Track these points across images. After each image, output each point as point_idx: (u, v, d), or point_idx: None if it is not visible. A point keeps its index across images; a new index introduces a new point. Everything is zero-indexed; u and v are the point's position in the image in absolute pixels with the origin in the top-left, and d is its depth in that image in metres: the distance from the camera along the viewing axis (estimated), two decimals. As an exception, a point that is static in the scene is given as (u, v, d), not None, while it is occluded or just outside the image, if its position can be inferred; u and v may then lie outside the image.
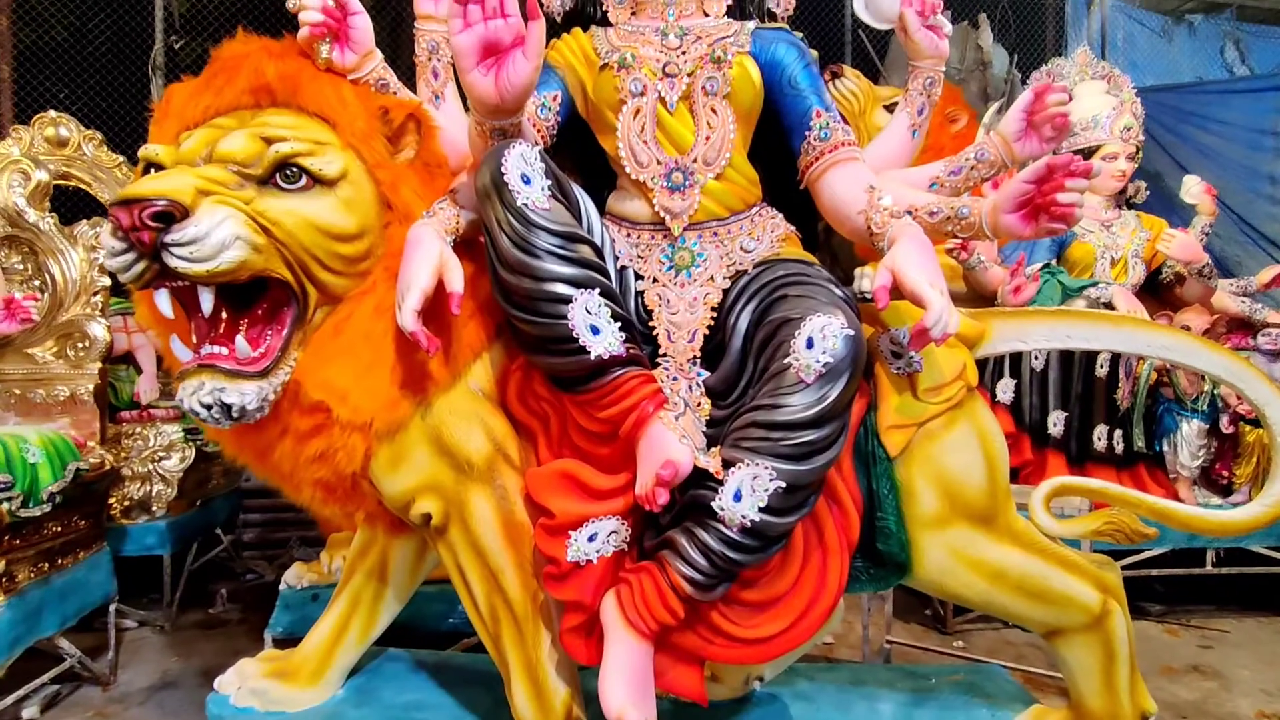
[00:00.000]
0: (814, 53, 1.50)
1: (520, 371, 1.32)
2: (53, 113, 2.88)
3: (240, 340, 1.14)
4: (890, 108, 3.68)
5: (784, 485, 1.06)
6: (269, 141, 1.17)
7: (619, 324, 1.15)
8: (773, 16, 1.60)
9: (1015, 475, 2.87)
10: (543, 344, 1.16)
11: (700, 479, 1.13)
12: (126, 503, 2.78)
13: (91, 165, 2.74)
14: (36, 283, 2.36)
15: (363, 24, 1.30)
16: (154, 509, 2.81)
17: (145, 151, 1.18)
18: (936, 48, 1.58)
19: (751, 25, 1.46)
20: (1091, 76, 3.55)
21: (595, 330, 1.13)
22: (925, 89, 1.61)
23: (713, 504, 1.09)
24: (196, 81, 1.28)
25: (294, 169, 1.17)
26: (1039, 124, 1.43)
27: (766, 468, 1.07)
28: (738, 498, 1.08)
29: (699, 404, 1.27)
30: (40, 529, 2.07)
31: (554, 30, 1.58)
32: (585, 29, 1.51)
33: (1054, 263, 3.31)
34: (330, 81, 1.28)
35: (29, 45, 4.70)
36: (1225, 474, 2.98)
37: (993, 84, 5.22)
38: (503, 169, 1.13)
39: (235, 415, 1.14)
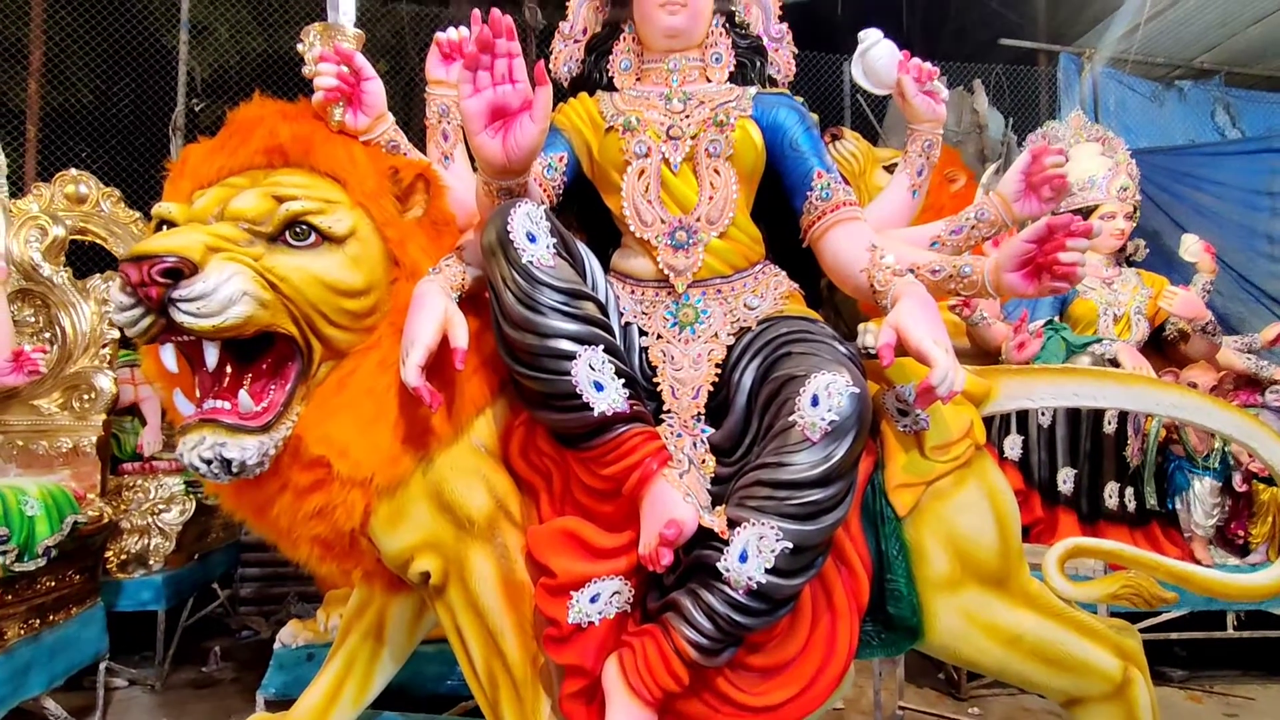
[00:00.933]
0: (814, 116, 1.55)
1: (523, 427, 1.31)
2: (73, 171, 2.96)
3: (243, 395, 1.14)
4: (890, 168, 3.76)
5: (791, 546, 1.04)
6: (280, 200, 1.19)
7: (623, 380, 1.15)
8: (774, 82, 1.65)
9: (1026, 534, 2.82)
10: (546, 400, 1.16)
11: (705, 538, 1.11)
12: (123, 556, 2.74)
13: (108, 221, 2.81)
14: (47, 335, 2.39)
15: (375, 89, 1.34)
16: (151, 563, 2.77)
17: (159, 209, 1.20)
18: (934, 112, 1.62)
19: (753, 90, 1.50)
20: (1086, 139, 3.62)
21: (599, 387, 1.13)
22: (924, 151, 1.64)
23: (718, 565, 1.07)
24: (212, 142, 1.31)
25: (304, 226, 1.19)
26: (1037, 185, 1.46)
27: (773, 527, 1.05)
28: (743, 558, 1.05)
29: (703, 461, 1.26)
30: (34, 584, 2.04)
31: (561, 95, 1.64)
32: (591, 94, 1.55)
33: (1057, 319, 3.32)
34: (342, 143, 1.32)
35: (56, 107, 4.87)
36: (1241, 533, 2.92)
37: (989, 146, 5.35)
38: (508, 227, 1.15)
39: (235, 470, 1.13)
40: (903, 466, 1.22)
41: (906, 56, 1.66)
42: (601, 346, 1.14)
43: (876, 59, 1.66)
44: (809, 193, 1.41)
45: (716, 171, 1.39)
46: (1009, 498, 1.27)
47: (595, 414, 1.12)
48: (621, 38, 1.58)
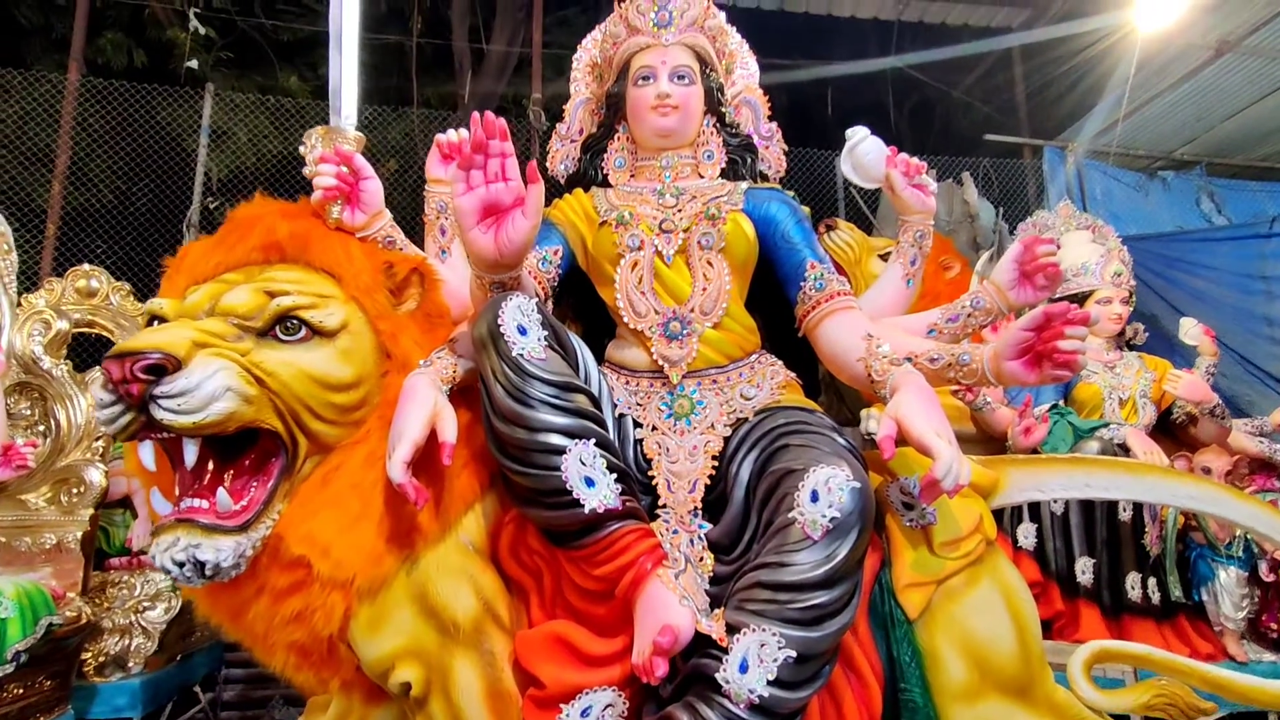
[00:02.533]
0: (806, 209, 1.57)
1: (513, 524, 1.26)
2: (86, 266, 3.03)
3: (222, 493, 1.10)
4: (885, 256, 3.81)
5: (795, 655, 0.98)
6: (272, 295, 1.19)
7: (615, 475, 1.12)
8: (765, 178, 1.69)
9: (1048, 629, 2.67)
10: (536, 496, 1.12)
11: (703, 645, 1.05)
12: (102, 658, 2.61)
13: (116, 314, 2.83)
14: (41, 428, 2.36)
15: (373, 188, 1.37)
16: (130, 665, 2.63)
17: (151, 305, 1.20)
18: (923, 204, 1.65)
19: (744, 185, 1.53)
20: (1076, 227, 3.70)
21: (590, 482, 1.09)
22: (916, 241, 1.66)
23: (717, 676, 1.00)
24: (211, 239, 1.33)
25: (294, 321, 1.19)
26: (1031, 273, 1.46)
27: (775, 634, 0.98)
28: (744, 668, 0.98)
29: (701, 559, 1.20)
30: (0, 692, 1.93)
31: (557, 192, 1.68)
32: (586, 190, 1.59)
33: (1061, 403, 3.28)
34: (339, 239, 1.34)
35: (77, 207, 5.05)
36: (1274, 626, 2.77)
37: (981, 234, 5.47)
38: (499, 320, 1.14)
39: (209, 573, 1.09)
40: (911, 564, 1.17)
41: (894, 152, 1.71)
42: (593, 440, 1.11)
43: (864, 154, 1.71)
44: (802, 283, 1.42)
45: (709, 263, 1.40)
46: (1026, 596, 1.20)
47: (586, 510, 1.08)
48: (616, 137, 1.63)
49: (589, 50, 1.78)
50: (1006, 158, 5.92)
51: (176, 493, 1.16)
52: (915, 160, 1.69)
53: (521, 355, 1.12)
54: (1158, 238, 5.12)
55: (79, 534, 2.28)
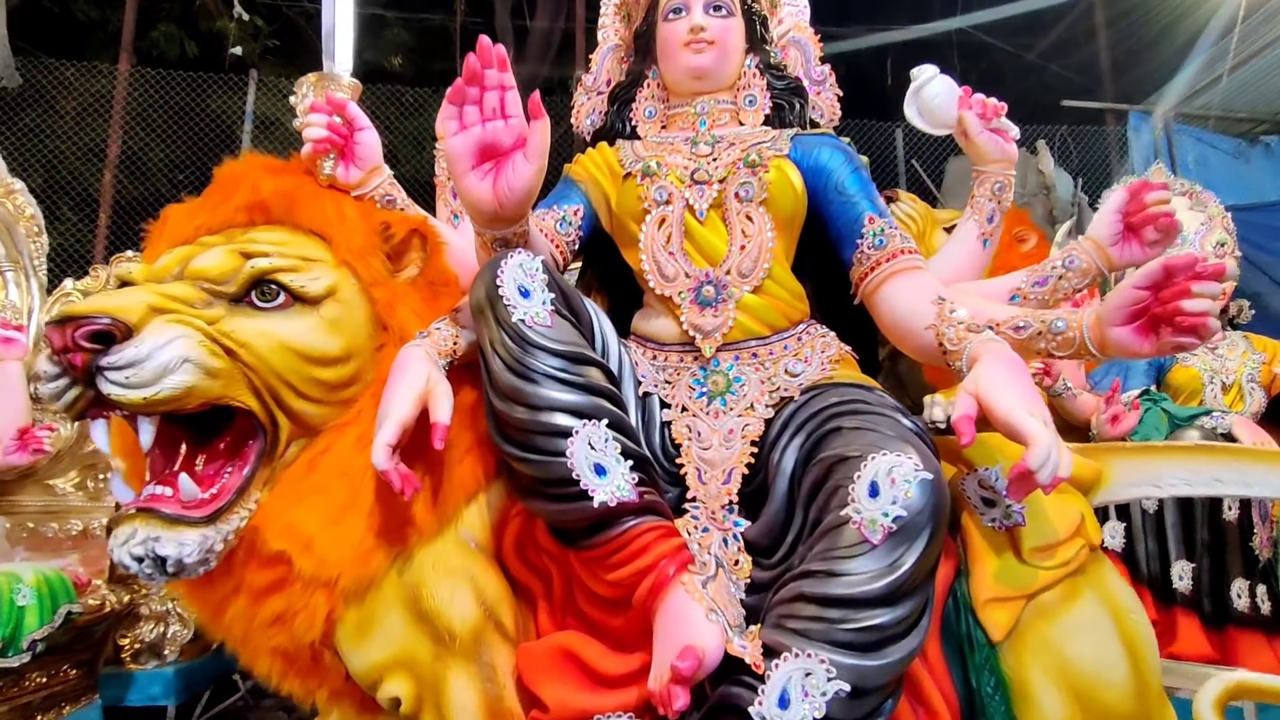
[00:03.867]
0: (864, 158, 1.36)
1: (521, 518, 1.10)
2: (129, 253, 3.01)
3: (185, 479, 0.97)
4: (951, 229, 3.53)
5: (848, 687, 0.78)
6: (248, 257, 1.05)
7: (631, 462, 0.94)
8: (816, 127, 1.48)
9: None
10: (539, 486, 0.95)
11: (735, 668, 0.86)
12: (137, 645, 2.59)
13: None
14: (71, 412, 2.33)
15: (369, 140, 1.22)
16: (165, 653, 2.60)
17: (119, 270, 1.08)
18: (1003, 150, 1.42)
19: (791, 131, 1.33)
20: (1172, 193, 3.33)
21: (600, 470, 0.91)
22: (994, 194, 1.43)
23: (750, 710, 0.81)
24: (194, 200, 1.21)
25: (272, 286, 1.05)
26: (1138, 225, 1.22)
27: (822, 660, 0.79)
28: (784, 703, 0.80)
29: (735, 563, 1.02)
30: (20, 681, 1.89)
31: (583, 150, 1.50)
32: (612, 144, 1.41)
33: (1154, 388, 2.96)
34: (330, 197, 1.19)
35: (131, 196, 5.14)
36: None
37: (1058, 207, 5.06)
38: (498, 281, 0.97)
39: (171, 570, 0.96)
40: (994, 574, 0.95)
41: (967, 92, 1.47)
42: (605, 421, 0.94)
43: (932, 96, 1.47)
44: (859, 240, 1.21)
45: (749, 218, 1.20)
46: (1140, 616, 0.98)
47: (595, 503, 0.91)
48: (645, 84, 1.44)
49: (616, -8, 1.60)
50: (1086, 124, 5.47)
51: (147, 478, 1.04)
52: (993, 100, 1.45)
53: (523, 321, 0.96)
54: (1262, 208, 4.63)
55: (105, 520, 2.24)
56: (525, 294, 0.98)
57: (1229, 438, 2.60)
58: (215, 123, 5.25)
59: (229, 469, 1.04)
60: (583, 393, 0.94)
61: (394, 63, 6.60)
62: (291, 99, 1.25)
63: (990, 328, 1.09)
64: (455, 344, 1.12)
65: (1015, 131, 1.46)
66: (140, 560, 0.94)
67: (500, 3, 5.78)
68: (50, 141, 5.30)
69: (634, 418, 1.14)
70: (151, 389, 0.90)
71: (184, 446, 1.05)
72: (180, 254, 1.08)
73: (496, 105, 0.97)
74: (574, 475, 0.90)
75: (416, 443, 1.05)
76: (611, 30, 1.60)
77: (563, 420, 0.92)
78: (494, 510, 1.14)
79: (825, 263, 1.30)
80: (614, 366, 1.11)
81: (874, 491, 0.82)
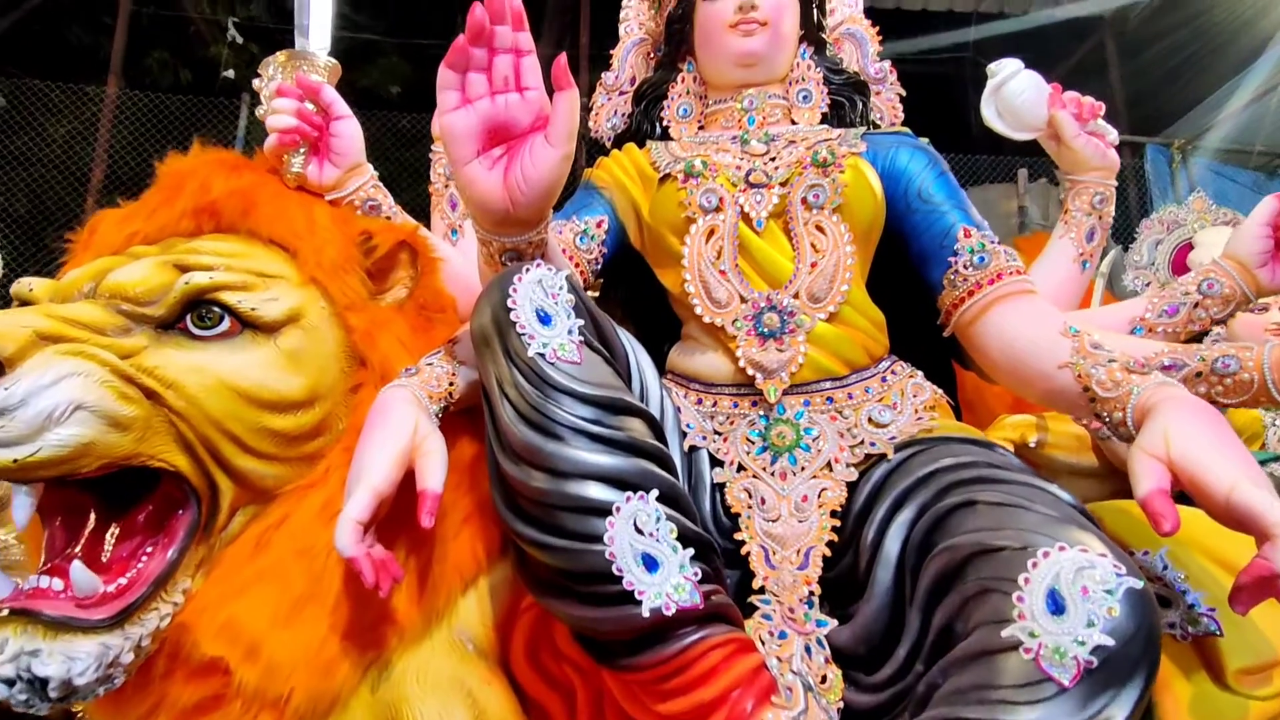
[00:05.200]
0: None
1: (534, 612, 0.84)
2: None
3: (78, 569, 0.71)
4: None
5: None
6: (185, 270, 0.81)
7: (690, 551, 0.69)
8: (876, 128, 1.26)
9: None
10: (565, 582, 0.70)
11: None
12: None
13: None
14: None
15: (349, 131, 0.99)
16: None
17: (17, 288, 0.84)
18: (1104, 157, 1.20)
19: (859, 129, 1.10)
20: (1214, 222, 3.14)
21: (651, 564, 0.66)
22: (1094, 208, 1.21)
23: None
24: (131, 204, 0.97)
25: (214, 308, 0.81)
26: (1296, 241, 0.99)
27: None
28: None
29: (823, 679, 0.76)
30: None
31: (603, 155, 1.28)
32: (641, 146, 1.19)
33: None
34: (298, 201, 0.96)
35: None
36: None
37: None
38: (510, 301, 0.73)
39: (55, 693, 0.69)
40: (1189, 708, 0.69)
41: (1057, 89, 1.26)
42: (655, 494, 0.69)
43: (1016, 94, 1.26)
44: (952, 259, 0.97)
45: (820, 229, 0.97)
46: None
47: (644, 611, 0.65)
48: (679, 78, 1.22)
49: (644, -21, 1.39)
50: (1103, 158, 5.33)
51: (42, 562, 0.79)
52: (1089, 99, 1.24)
53: (543, 356, 0.71)
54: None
55: None
56: (546, 319, 0.73)
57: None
58: (210, 146, 5.06)
59: (148, 549, 0.79)
60: (625, 454, 0.69)
61: (392, 91, 6.46)
62: (255, 83, 1.02)
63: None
64: (451, 384, 0.87)
65: (1114, 135, 1.25)
66: (11, 684, 0.68)
67: (502, 31, 5.67)
68: (36, 168, 5.11)
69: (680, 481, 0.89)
70: (26, 447, 0.65)
71: (92, 517, 0.80)
72: (95, 266, 0.84)
73: (510, 74, 0.75)
74: (615, 570, 0.65)
75: (398, 511, 0.81)
76: (635, 22, 1.38)
77: (598, 493, 0.67)
78: (498, 601, 0.88)
79: (884, 283, 1.07)
80: (657, 413, 0.87)
81: (1056, 605, 0.57)
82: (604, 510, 0.66)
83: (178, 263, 0.83)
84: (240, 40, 5.18)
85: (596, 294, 1.29)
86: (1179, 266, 3.18)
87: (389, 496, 0.75)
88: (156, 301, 0.79)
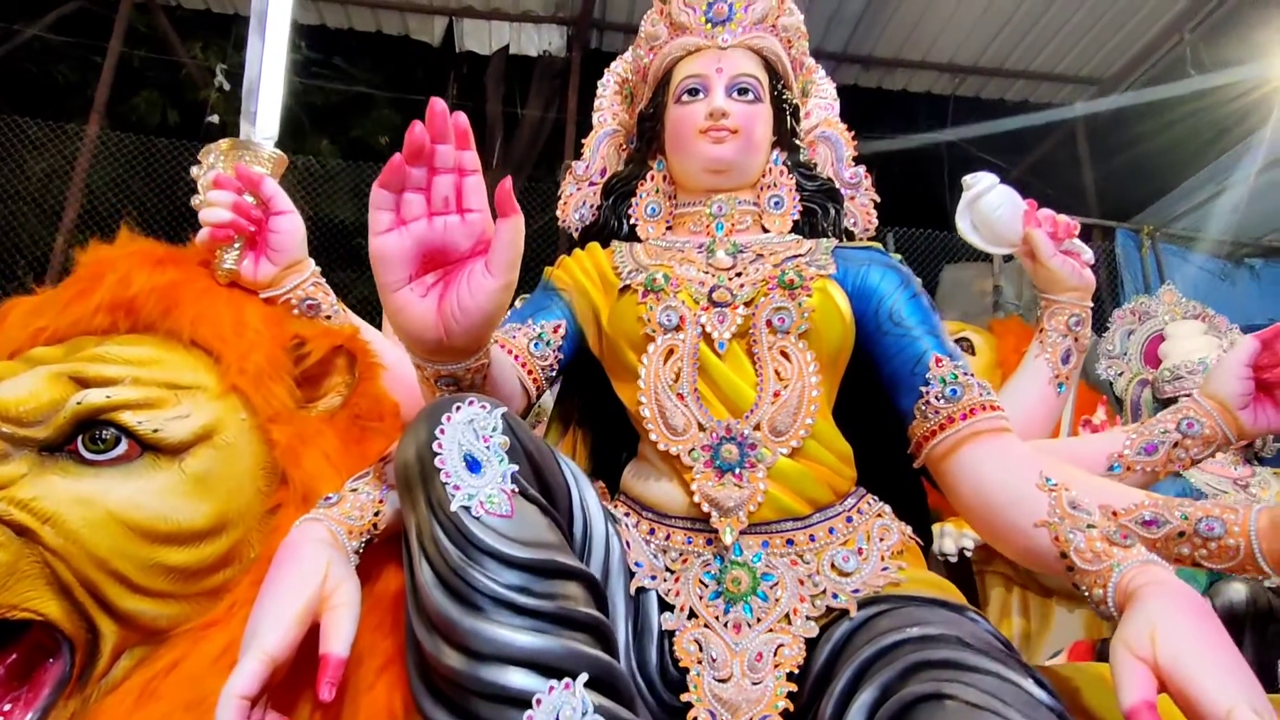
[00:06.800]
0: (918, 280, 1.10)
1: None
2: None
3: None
4: (958, 342, 3.32)
5: None
6: (82, 383, 0.74)
7: (624, 746, 0.60)
8: (850, 238, 1.22)
9: None
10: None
11: None
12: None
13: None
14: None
15: (289, 227, 0.93)
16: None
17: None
18: (1081, 277, 1.18)
19: (830, 243, 1.06)
20: (1184, 315, 3.18)
21: (574, 766, 0.58)
22: (1070, 329, 1.17)
23: None
24: (45, 293, 0.90)
25: (109, 429, 0.73)
26: (1275, 384, 0.96)
27: None
28: None
29: None
30: None
31: (569, 250, 1.22)
32: (606, 245, 1.14)
33: (1184, 530, 2.68)
34: (227, 300, 0.89)
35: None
36: None
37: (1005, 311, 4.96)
38: (436, 445, 0.66)
39: None
40: None
41: (1033, 206, 1.24)
42: (584, 679, 0.60)
43: (992, 208, 1.24)
44: (924, 388, 0.92)
45: (785, 354, 0.91)
46: None
47: (565, 822, 0.57)
48: (649, 175, 1.18)
49: (617, 72, 1.37)
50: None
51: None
52: (1064, 218, 1.22)
53: (468, 509, 0.64)
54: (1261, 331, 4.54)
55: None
56: (475, 467, 0.66)
57: (1277, 592, 2.31)
58: (190, 191, 5.00)
59: (5, 707, 0.69)
60: (553, 631, 0.61)
61: (381, 142, 6.49)
62: (194, 170, 0.96)
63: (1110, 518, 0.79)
64: (377, 514, 0.79)
65: (1089, 254, 1.23)
66: None
67: (492, 89, 5.73)
68: (11, 202, 5.02)
69: (623, 629, 0.81)
70: None
71: (-53, 666, 0.70)
72: (-17, 376, 0.76)
73: (450, 194, 0.69)
74: (531, 774, 0.57)
75: (301, 673, 0.71)
76: (609, 113, 1.35)
77: (519, 680, 0.58)
78: (415, 765, 0.78)
79: (852, 402, 1.01)
80: (598, 557, 0.79)
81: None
82: (523, 701, 0.58)
83: (76, 374, 0.75)
84: (228, 87, 5.18)
85: (552, 396, 1.23)
86: (1150, 357, 3.20)
87: (284, 661, 0.66)
88: (43, 421, 0.71)
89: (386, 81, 6.30)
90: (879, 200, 1.28)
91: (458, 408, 0.69)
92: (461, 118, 0.69)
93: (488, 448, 0.68)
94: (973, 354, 3.23)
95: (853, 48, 5.19)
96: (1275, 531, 0.75)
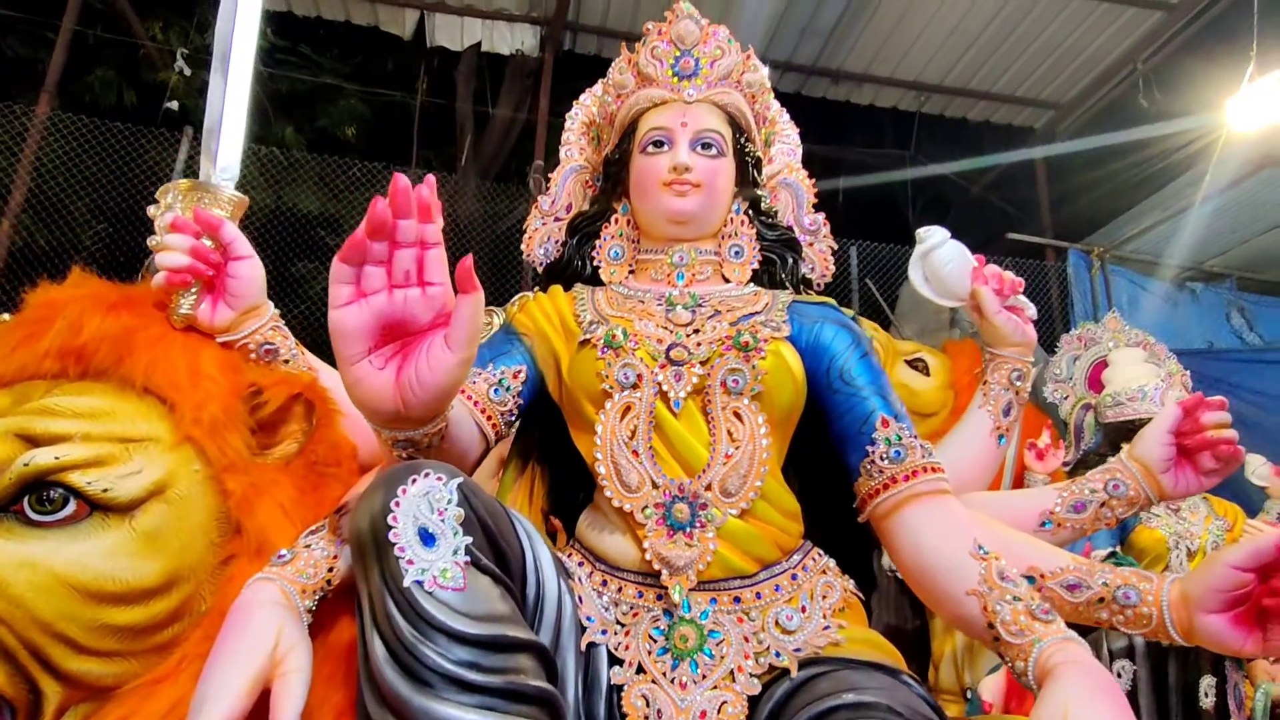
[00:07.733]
0: (870, 333, 1.14)
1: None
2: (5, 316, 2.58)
3: None
4: (913, 362, 3.40)
5: None
6: (30, 442, 0.73)
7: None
8: (808, 284, 1.26)
9: None
10: None
11: None
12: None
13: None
14: None
15: (248, 272, 0.93)
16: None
17: None
18: (1023, 333, 1.23)
19: (786, 297, 1.10)
20: (1127, 343, 3.31)
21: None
22: (1011, 382, 1.22)
23: None
24: (-7, 335, 0.88)
25: (57, 491, 0.72)
26: (1194, 450, 1.02)
27: None
28: None
29: None
30: None
31: (531, 287, 1.23)
32: (568, 286, 1.16)
33: (1119, 550, 2.81)
34: (182, 346, 0.89)
35: (41, 247, 4.65)
36: None
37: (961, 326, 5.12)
38: (391, 518, 0.67)
39: None
40: None
41: (981, 262, 1.29)
42: (530, 754, 0.63)
43: (943, 263, 1.28)
44: (870, 448, 0.96)
45: (738, 415, 0.94)
46: None
47: None
48: (613, 219, 1.20)
49: (586, 106, 1.38)
50: (1028, 258, 5.62)
51: None
52: (1010, 275, 1.27)
53: (420, 584, 0.65)
54: (1195, 354, 4.74)
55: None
56: (429, 540, 0.68)
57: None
58: (145, 177, 4.84)
59: (-57, 771, 0.68)
60: (502, 705, 0.63)
61: (348, 133, 6.37)
62: (150, 209, 0.95)
63: (1031, 580, 0.84)
64: (331, 570, 0.80)
65: (1032, 310, 1.28)
66: None
67: (463, 86, 5.67)
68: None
69: (573, 685, 0.83)
70: None
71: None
72: (-77, 431, 0.74)
73: (412, 267, 0.70)
74: None
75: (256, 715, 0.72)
76: (576, 148, 1.37)
77: (466, 759, 0.60)
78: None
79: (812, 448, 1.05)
80: (550, 617, 0.81)
81: None
82: (470, 779, 0.60)
83: (23, 431, 0.74)
84: (189, 72, 5.03)
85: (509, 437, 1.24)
86: (1094, 382, 3.32)
87: (235, 730, 0.66)
88: (-12, 482, 0.71)
89: (354, 73, 6.19)
90: (835, 247, 1.32)
91: (414, 480, 0.70)
92: (425, 190, 0.70)
93: (442, 521, 0.69)
94: (928, 375, 3.32)
95: (824, 61, 5.27)
96: (1184, 603, 0.80)
